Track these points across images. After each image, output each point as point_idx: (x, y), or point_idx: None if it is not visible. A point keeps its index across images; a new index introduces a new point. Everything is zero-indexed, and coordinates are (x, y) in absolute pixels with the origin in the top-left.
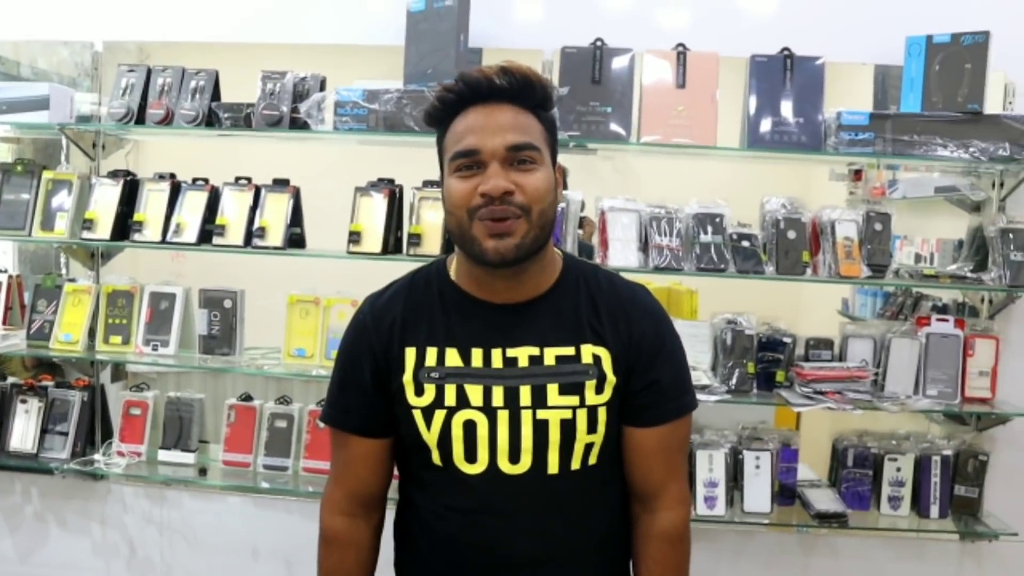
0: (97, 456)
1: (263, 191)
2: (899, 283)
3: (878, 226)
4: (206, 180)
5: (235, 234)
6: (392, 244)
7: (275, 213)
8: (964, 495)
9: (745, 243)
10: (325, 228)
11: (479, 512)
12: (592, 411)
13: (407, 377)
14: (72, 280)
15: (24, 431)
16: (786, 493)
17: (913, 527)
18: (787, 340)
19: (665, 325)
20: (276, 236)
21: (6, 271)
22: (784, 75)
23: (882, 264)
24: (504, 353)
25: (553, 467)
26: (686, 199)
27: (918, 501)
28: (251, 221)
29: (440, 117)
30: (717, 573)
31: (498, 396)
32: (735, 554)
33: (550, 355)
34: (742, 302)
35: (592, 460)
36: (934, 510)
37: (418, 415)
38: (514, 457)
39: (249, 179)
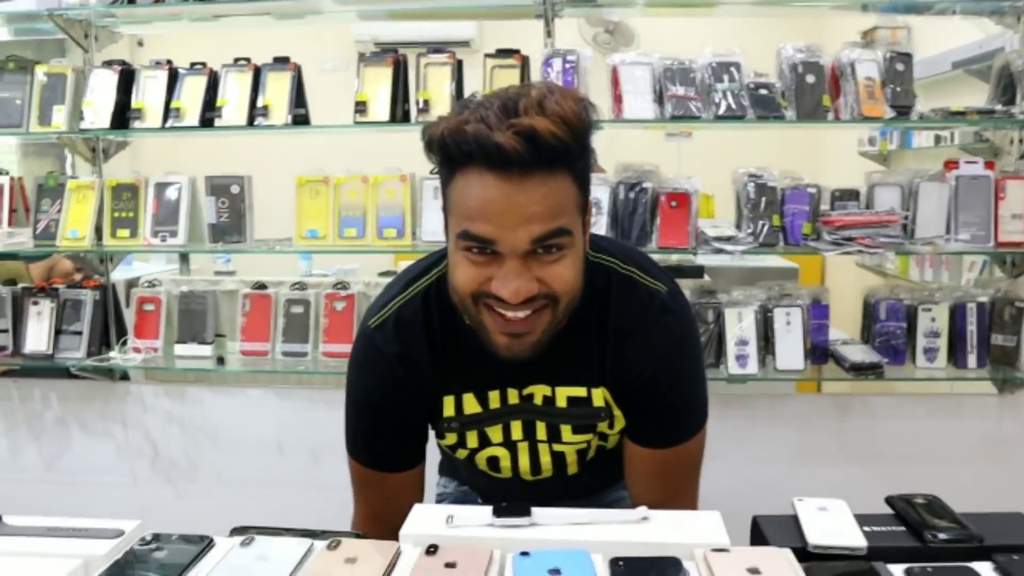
0: (113, 353)
1: (263, 71)
2: (925, 124)
3: (900, 66)
4: (204, 64)
5: (237, 116)
6: (400, 114)
7: (277, 92)
8: (1001, 344)
9: (763, 91)
10: (327, 110)
11: (508, 494)
12: (604, 437)
13: (427, 422)
14: (74, 177)
15: (38, 333)
16: (818, 352)
17: (950, 377)
18: (811, 191)
19: (670, 361)
20: (280, 115)
21: (7, 173)
22: None
23: (906, 105)
24: (520, 392)
25: (572, 470)
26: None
27: (954, 352)
28: (253, 102)
29: (445, 161)
30: (751, 438)
31: (516, 430)
32: (769, 418)
33: (561, 396)
34: (762, 160)
35: (610, 445)
36: (971, 359)
37: (444, 445)
38: (535, 472)
39: (248, 59)
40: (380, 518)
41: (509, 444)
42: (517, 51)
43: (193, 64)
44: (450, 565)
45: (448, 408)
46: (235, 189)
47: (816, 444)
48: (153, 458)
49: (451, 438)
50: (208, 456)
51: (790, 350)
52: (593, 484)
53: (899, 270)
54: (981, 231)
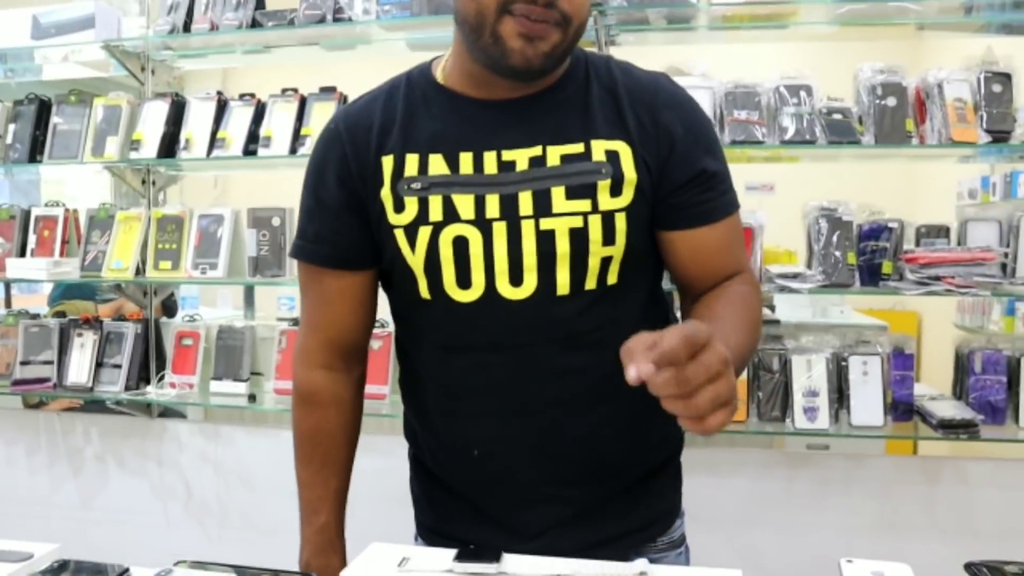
0: (149, 388)
1: (309, 100)
2: None
3: (997, 87)
4: (252, 95)
5: (281, 145)
6: None
7: (321, 121)
8: None
9: (837, 115)
10: None
11: (480, 349)
12: (608, 217)
13: (385, 191)
14: (123, 209)
15: (79, 364)
16: (901, 408)
17: None
18: (893, 226)
19: (698, 111)
20: None
21: (62, 204)
22: None
23: (1004, 130)
24: (499, 156)
25: (563, 287)
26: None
27: None
28: (297, 132)
29: None
30: (825, 505)
31: (493, 206)
32: (844, 482)
33: (554, 154)
34: (838, 194)
35: (612, 279)
36: None
37: (400, 235)
38: (515, 278)
39: (295, 89)
40: (316, 326)
41: (482, 223)
42: None
43: (242, 95)
44: None
45: (411, 167)
46: (276, 221)
47: (899, 513)
48: (186, 500)
49: (411, 207)
50: (239, 499)
51: (868, 404)
52: (599, 392)
53: (1003, 330)
54: None
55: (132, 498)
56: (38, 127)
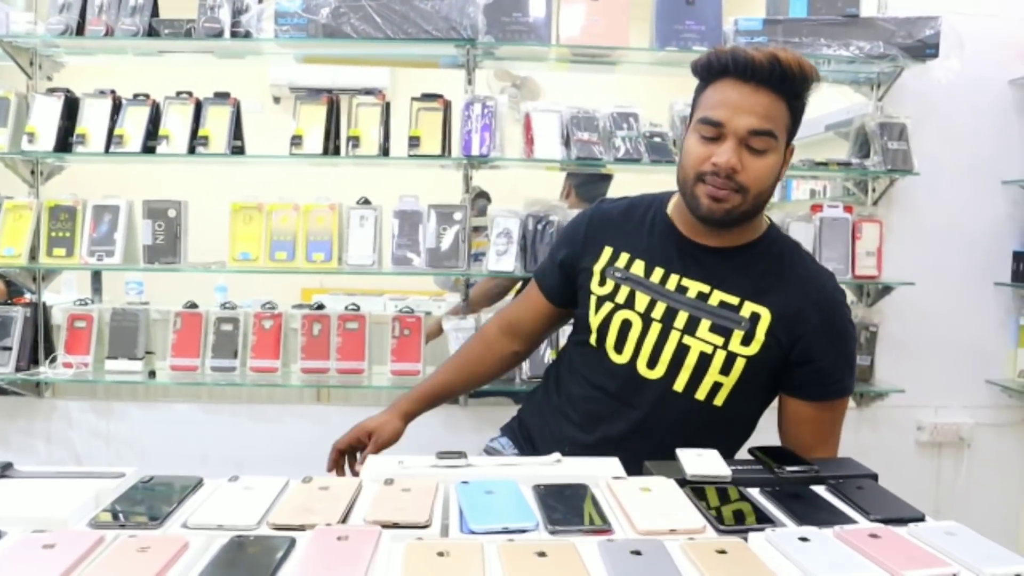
0: (42, 368)
1: (204, 104)
2: (795, 172)
3: None
4: (147, 95)
5: (178, 145)
6: (332, 149)
7: (217, 124)
8: (859, 363)
9: (657, 139)
10: (264, 141)
11: (611, 395)
12: (731, 357)
13: (597, 267)
14: (9, 198)
15: None
16: None
17: None
18: None
19: (838, 313)
20: (219, 145)
21: None
22: None
23: None
24: (679, 281)
25: (679, 386)
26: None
27: None
28: (194, 133)
29: (704, 75)
30: None
31: (659, 311)
32: None
33: (716, 297)
34: None
35: (718, 400)
36: None
37: (592, 300)
38: (652, 363)
39: (190, 92)
40: (513, 311)
41: (646, 318)
42: (440, 95)
43: (136, 95)
44: (406, 490)
45: (622, 261)
46: (172, 213)
47: None
48: None
49: (609, 285)
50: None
51: None
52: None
53: None
54: (840, 264)
55: None
56: None
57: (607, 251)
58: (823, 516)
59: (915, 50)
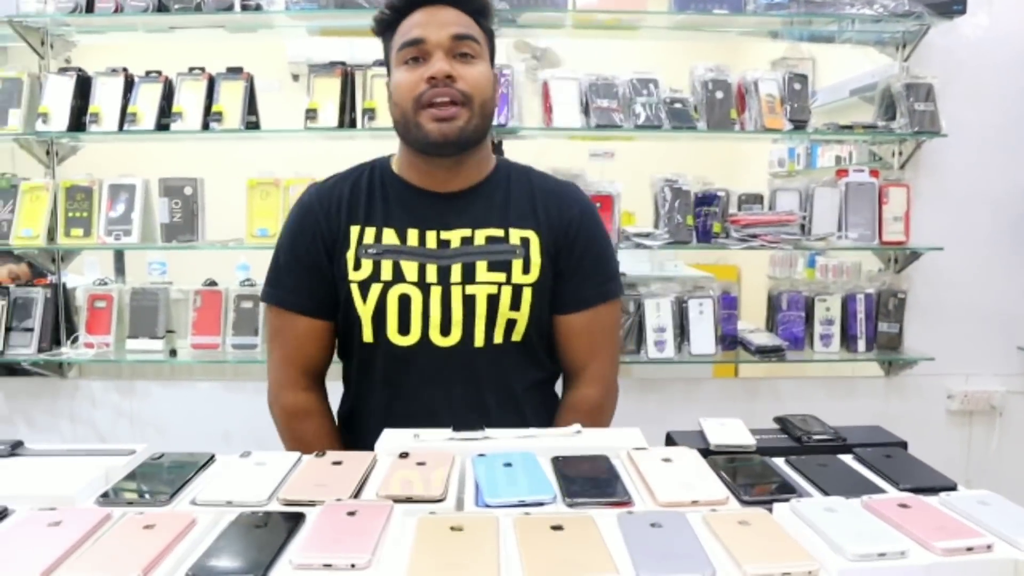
0: (64, 348)
1: (217, 79)
2: (820, 135)
3: (797, 86)
4: (159, 72)
5: (192, 121)
6: (348, 122)
7: (231, 100)
8: (886, 331)
9: (678, 105)
10: (283, 118)
11: (415, 385)
12: (517, 289)
13: (350, 253)
14: (27, 179)
15: None
16: (728, 339)
17: (843, 359)
18: (721, 194)
19: (592, 215)
20: (233, 120)
21: None
22: None
23: (802, 119)
24: (438, 236)
25: (479, 340)
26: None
27: (846, 338)
28: (207, 109)
29: (389, 22)
30: (666, 419)
31: (431, 273)
32: (684, 400)
33: (480, 236)
34: (678, 167)
35: (516, 336)
36: (860, 344)
37: (355, 288)
38: (445, 329)
39: (203, 68)
40: (293, 361)
41: (423, 285)
42: None
43: (148, 72)
44: (421, 463)
45: (368, 236)
46: (188, 191)
47: None
48: None
49: (367, 267)
50: (155, 449)
51: (703, 337)
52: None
53: (805, 278)
54: (867, 231)
55: None
56: None
57: (353, 230)
58: (850, 486)
59: (941, 7)
